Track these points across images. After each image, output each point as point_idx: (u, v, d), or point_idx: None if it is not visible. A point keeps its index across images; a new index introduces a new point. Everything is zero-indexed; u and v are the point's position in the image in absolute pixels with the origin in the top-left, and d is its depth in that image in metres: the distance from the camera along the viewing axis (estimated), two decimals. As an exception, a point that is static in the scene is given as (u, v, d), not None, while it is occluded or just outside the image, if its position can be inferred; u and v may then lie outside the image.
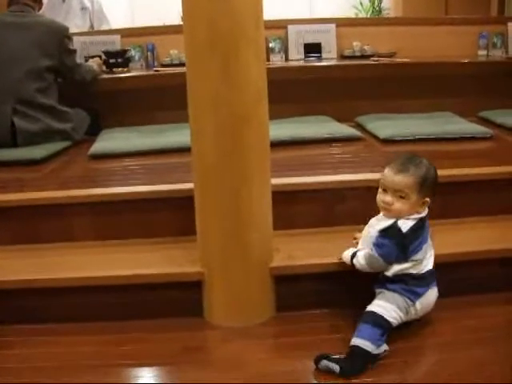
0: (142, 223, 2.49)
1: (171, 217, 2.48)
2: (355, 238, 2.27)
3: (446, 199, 2.53)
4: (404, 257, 2.04)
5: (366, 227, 2.17)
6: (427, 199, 2.05)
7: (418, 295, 2.05)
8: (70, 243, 2.49)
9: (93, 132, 3.51)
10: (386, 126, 3.37)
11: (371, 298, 2.10)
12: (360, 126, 3.56)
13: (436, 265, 2.13)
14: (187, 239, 2.37)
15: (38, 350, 2.13)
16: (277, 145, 2.84)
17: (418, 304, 2.05)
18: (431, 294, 2.09)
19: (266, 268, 2.22)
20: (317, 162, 2.93)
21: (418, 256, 2.05)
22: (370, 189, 2.25)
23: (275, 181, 2.32)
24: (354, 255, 2.12)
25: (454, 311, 2.24)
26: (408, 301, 2.04)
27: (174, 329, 2.22)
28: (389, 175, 2.04)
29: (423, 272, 2.07)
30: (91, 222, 2.51)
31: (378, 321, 1.98)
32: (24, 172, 2.98)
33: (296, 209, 2.52)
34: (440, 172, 2.12)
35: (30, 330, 2.24)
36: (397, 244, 2.03)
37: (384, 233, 2.05)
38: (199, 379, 1.95)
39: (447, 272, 2.21)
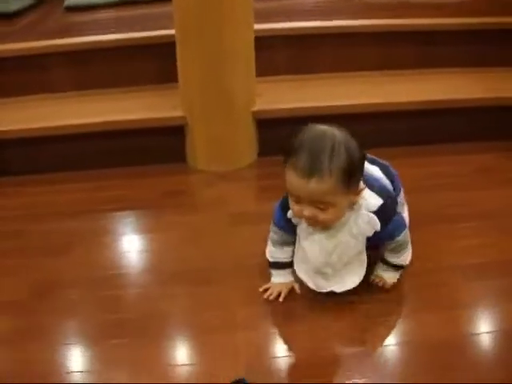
0: (122, 72, 2.44)
1: (151, 65, 2.43)
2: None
3: (424, 49, 2.51)
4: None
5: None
6: (360, 187, 1.43)
7: None
8: (48, 94, 2.45)
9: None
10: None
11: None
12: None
13: (413, 112, 2.14)
14: (168, 87, 2.34)
15: (22, 200, 2.16)
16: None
17: None
18: None
19: (248, 112, 2.22)
20: (297, 9, 2.85)
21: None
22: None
23: (256, 26, 2.26)
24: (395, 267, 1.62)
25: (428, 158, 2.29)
26: None
27: (157, 174, 2.26)
28: (296, 183, 1.36)
29: None
30: (69, 73, 2.45)
31: None
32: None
33: (277, 56, 2.48)
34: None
35: (14, 181, 2.27)
36: (395, 209, 1.57)
37: (382, 225, 1.48)
38: (182, 220, 1.99)
39: (427, 118, 2.22)
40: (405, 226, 1.55)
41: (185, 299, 1.64)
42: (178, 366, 1.45)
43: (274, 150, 2.25)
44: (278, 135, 2.27)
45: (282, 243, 1.59)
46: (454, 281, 1.66)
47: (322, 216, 1.39)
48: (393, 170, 1.67)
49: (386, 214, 1.47)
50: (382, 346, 1.47)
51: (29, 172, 2.28)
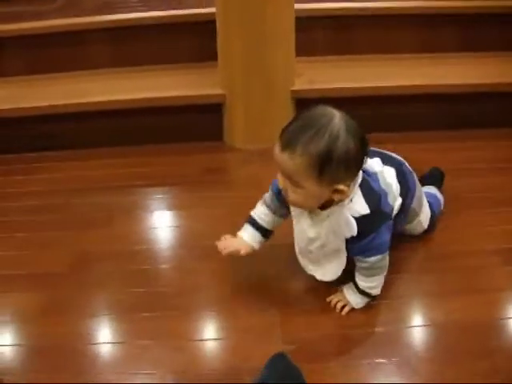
0: (161, 50, 2.45)
1: (190, 43, 2.43)
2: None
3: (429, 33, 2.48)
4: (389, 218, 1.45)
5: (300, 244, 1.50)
6: (341, 187, 1.31)
7: None
8: (89, 71, 2.47)
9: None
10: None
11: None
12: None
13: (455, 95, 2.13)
14: (207, 65, 2.34)
15: (64, 174, 2.18)
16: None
17: None
18: None
19: (287, 91, 2.21)
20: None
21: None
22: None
23: (297, 6, 2.25)
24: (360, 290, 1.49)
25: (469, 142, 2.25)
26: None
27: (194, 152, 2.26)
28: (275, 152, 1.32)
29: None
30: (109, 49, 2.47)
31: None
32: (38, 4, 2.91)
33: (317, 36, 2.46)
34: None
35: (53, 156, 2.29)
36: (380, 225, 1.40)
37: (357, 237, 1.38)
38: (219, 197, 1.99)
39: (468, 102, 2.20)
40: (382, 251, 1.42)
41: (217, 274, 1.64)
42: (208, 340, 1.46)
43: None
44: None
45: (270, 207, 1.53)
46: (491, 264, 1.64)
47: (291, 194, 1.34)
48: (407, 168, 1.59)
49: (365, 226, 1.37)
50: (410, 326, 1.47)
51: (71, 147, 2.30)
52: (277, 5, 2.06)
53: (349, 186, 1.32)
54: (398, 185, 1.51)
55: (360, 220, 1.36)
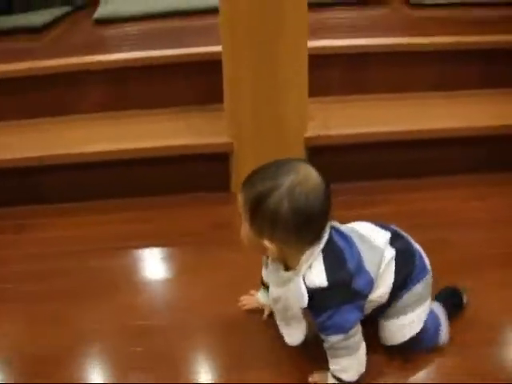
0: (159, 92, 2.25)
1: (192, 84, 2.24)
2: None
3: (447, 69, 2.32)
4: (361, 298, 1.27)
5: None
6: (266, 242, 1.20)
7: None
8: (81, 115, 2.26)
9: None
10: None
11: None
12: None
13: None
14: (211, 108, 2.16)
15: (56, 234, 1.98)
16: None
17: None
18: None
19: (300, 138, 2.03)
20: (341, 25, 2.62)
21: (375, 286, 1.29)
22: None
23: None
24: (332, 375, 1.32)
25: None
26: None
27: (200, 204, 2.08)
28: None
29: None
30: (102, 92, 2.26)
31: None
32: (23, 41, 2.69)
33: (330, 74, 2.28)
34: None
35: (45, 210, 2.08)
36: (337, 302, 1.23)
37: (312, 310, 1.25)
38: (227, 258, 1.79)
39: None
40: (344, 330, 1.23)
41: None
42: None
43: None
44: (330, 163, 2.11)
45: (265, 264, 1.39)
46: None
47: (242, 228, 1.26)
48: (414, 246, 1.38)
49: (321, 300, 1.22)
50: None
51: (62, 201, 2.10)
52: (289, 43, 1.87)
53: (279, 247, 1.21)
54: (391, 255, 1.30)
55: (315, 292, 1.21)
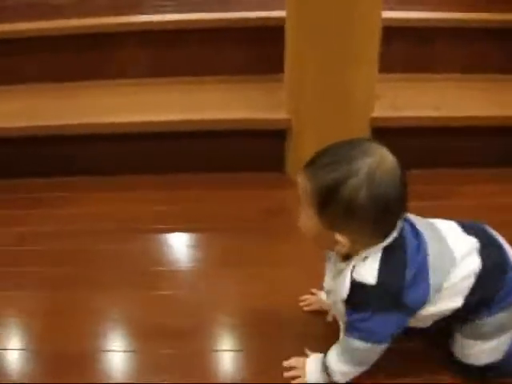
0: (210, 58, 2.07)
1: (246, 51, 2.04)
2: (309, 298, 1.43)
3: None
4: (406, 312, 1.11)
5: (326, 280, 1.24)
6: (337, 236, 1.06)
7: None
8: (122, 80, 2.08)
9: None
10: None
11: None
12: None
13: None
14: (268, 79, 1.96)
15: (85, 210, 1.80)
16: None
17: None
18: None
19: (366, 118, 1.83)
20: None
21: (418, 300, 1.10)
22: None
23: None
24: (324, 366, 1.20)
25: None
26: None
27: (249, 185, 1.89)
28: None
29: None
30: (146, 55, 2.08)
31: None
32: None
33: (395, 50, 2.07)
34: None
35: (88, 183, 1.91)
36: (377, 306, 1.09)
37: (350, 305, 1.11)
38: (281, 251, 1.61)
39: None
40: (370, 340, 1.10)
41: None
42: None
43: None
44: (395, 146, 1.93)
45: (329, 258, 1.23)
46: None
47: (300, 217, 1.12)
48: (509, 260, 1.15)
49: (360, 297, 1.08)
50: None
51: (98, 173, 1.92)
52: (364, 12, 1.67)
53: (353, 240, 1.06)
54: (474, 268, 1.11)
55: (358, 286, 1.08)
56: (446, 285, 1.09)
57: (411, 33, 2.07)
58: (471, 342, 1.16)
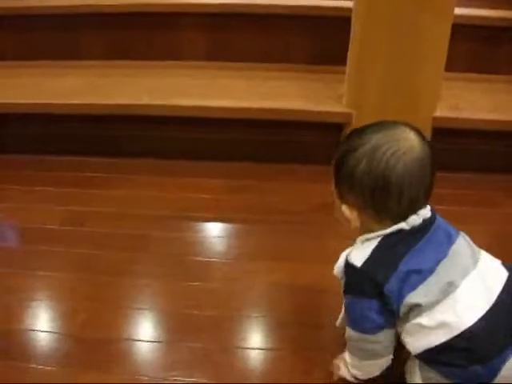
0: (269, 44, 2.02)
1: (310, 40, 2.00)
2: None
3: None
4: (388, 309, 1.05)
5: None
6: (344, 208, 1.08)
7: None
8: (177, 62, 2.05)
9: None
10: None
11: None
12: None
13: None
14: (326, 70, 1.92)
15: (137, 192, 1.78)
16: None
17: None
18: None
19: (429, 118, 1.78)
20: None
21: (414, 298, 1.01)
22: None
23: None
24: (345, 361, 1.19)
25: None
26: None
27: (301, 178, 1.85)
28: None
29: (462, 327, 0.99)
30: (202, 38, 2.04)
31: None
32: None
33: (458, 48, 2.00)
34: None
35: (143, 165, 1.89)
36: (360, 293, 1.06)
37: (343, 288, 1.10)
38: (330, 248, 1.53)
39: None
40: (357, 328, 1.07)
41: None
42: None
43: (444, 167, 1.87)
44: (452, 148, 1.88)
45: None
46: None
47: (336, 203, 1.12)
48: None
49: (347, 279, 1.08)
50: None
51: (153, 157, 1.90)
52: (437, 9, 1.62)
53: (360, 216, 1.06)
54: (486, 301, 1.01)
55: (348, 268, 1.07)
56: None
57: (472, 30, 2.01)
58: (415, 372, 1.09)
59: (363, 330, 1.07)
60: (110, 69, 2.03)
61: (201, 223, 1.67)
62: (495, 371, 0.97)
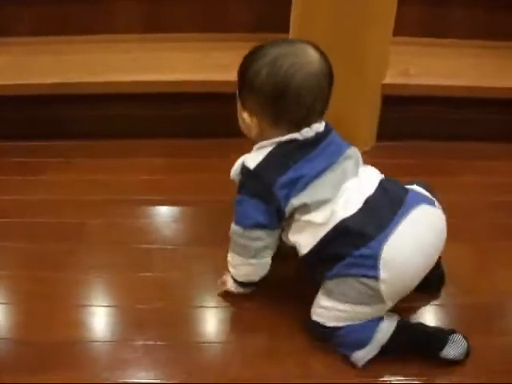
0: (209, 12, 1.91)
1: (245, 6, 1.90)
2: None
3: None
4: (274, 210, 1.16)
5: None
6: (244, 114, 1.18)
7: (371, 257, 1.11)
8: (110, 35, 1.90)
9: None
10: None
11: None
12: None
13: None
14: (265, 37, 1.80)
15: (76, 176, 1.65)
16: None
17: (384, 272, 1.10)
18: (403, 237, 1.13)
19: (377, 85, 1.70)
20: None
21: (301, 198, 1.13)
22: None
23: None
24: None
25: None
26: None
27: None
28: None
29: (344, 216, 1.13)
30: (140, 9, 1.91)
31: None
32: None
33: (406, 11, 1.91)
34: None
35: (77, 147, 1.75)
36: (250, 192, 1.17)
37: (238, 188, 1.21)
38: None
39: None
40: (240, 224, 1.18)
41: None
42: None
43: (396, 135, 1.80)
44: (404, 116, 1.80)
45: None
46: None
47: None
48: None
49: (241, 181, 1.19)
50: None
51: (91, 138, 1.76)
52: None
53: (260, 123, 1.17)
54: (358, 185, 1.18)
55: (242, 169, 1.18)
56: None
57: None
58: (319, 294, 1.18)
59: (245, 226, 1.17)
60: (39, 45, 1.88)
61: (142, 207, 1.55)
62: (379, 245, 1.09)
